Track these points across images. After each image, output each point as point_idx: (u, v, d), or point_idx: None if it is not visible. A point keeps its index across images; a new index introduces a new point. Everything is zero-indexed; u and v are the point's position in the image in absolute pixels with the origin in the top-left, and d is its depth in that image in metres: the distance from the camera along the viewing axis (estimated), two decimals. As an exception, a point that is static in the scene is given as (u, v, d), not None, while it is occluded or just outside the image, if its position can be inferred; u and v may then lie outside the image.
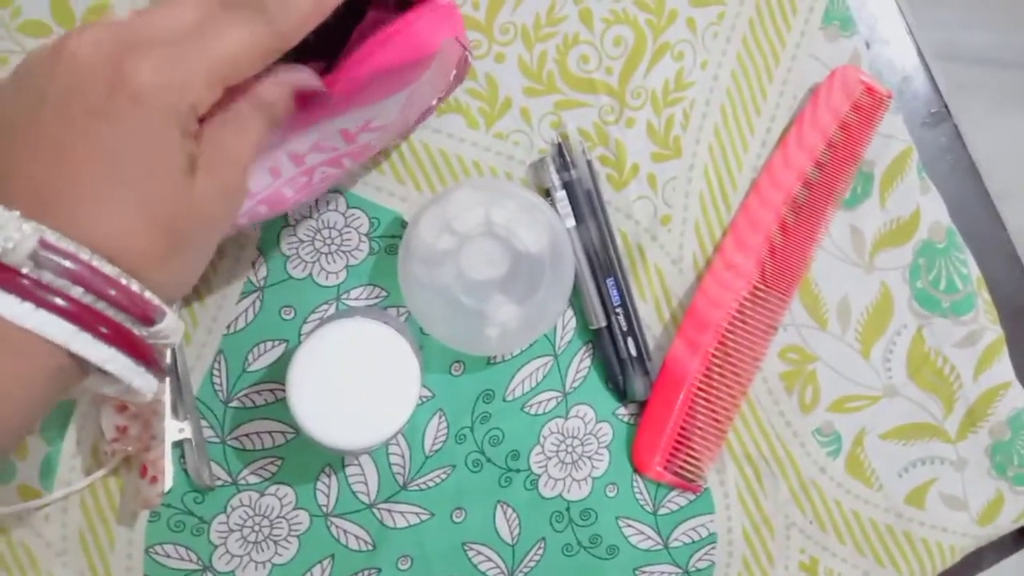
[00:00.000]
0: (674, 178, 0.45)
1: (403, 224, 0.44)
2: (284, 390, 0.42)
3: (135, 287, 0.28)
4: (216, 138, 0.30)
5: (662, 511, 0.46)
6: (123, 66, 0.28)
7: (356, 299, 0.44)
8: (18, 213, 0.26)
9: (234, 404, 0.43)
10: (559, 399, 0.45)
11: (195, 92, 0.29)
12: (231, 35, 0.29)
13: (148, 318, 0.28)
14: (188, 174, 0.29)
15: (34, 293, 0.26)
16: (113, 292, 0.27)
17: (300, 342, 0.39)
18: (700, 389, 0.45)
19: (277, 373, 0.43)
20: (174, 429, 0.41)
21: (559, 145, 0.44)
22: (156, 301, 0.28)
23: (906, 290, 0.47)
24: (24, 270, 0.26)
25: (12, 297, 0.26)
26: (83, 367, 0.27)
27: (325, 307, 0.44)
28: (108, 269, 0.27)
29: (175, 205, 0.29)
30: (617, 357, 0.45)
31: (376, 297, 0.44)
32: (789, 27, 0.46)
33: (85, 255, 0.27)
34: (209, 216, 0.30)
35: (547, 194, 0.44)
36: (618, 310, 0.44)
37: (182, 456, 0.42)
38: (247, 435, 0.43)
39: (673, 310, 0.46)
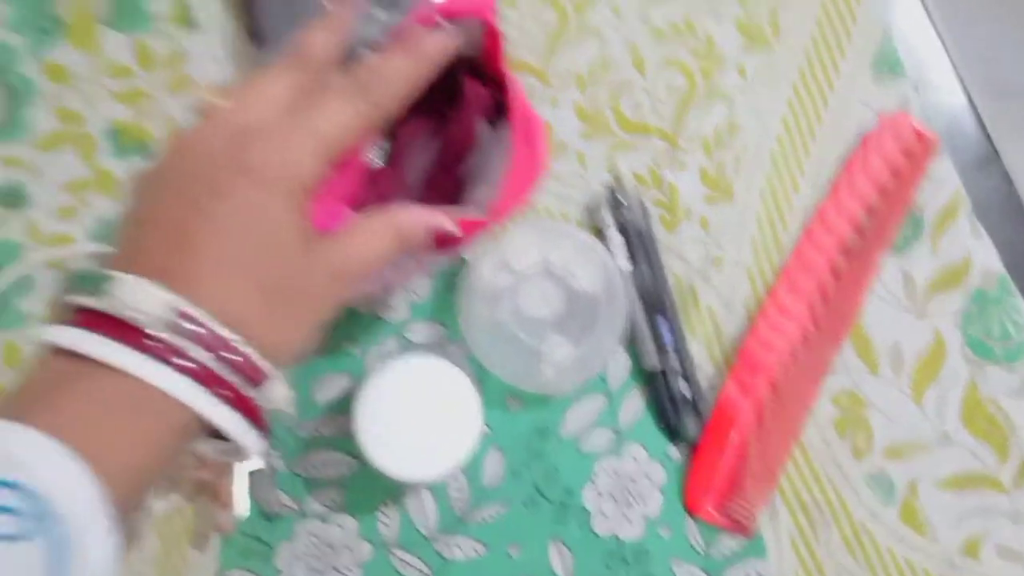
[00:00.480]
0: (726, 221, 0.46)
1: (464, 262, 0.46)
2: (349, 421, 0.44)
3: (253, 354, 0.29)
4: (348, 233, 0.32)
5: (714, 554, 0.46)
6: (239, 152, 0.30)
7: (417, 334, 0.45)
8: (157, 285, 0.28)
9: (301, 433, 0.44)
10: (612, 438, 0.46)
11: (306, 170, 0.31)
12: (333, 113, 0.32)
13: (260, 382, 0.30)
14: (302, 250, 0.31)
15: (168, 356, 0.28)
16: (234, 357, 0.29)
17: (366, 376, 0.40)
18: (752, 431, 0.45)
19: (343, 405, 0.44)
20: (243, 458, 0.42)
21: (613, 188, 0.46)
22: (267, 367, 0.30)
23: (959, 336, 0.47)
24: (162, 336, 0.28)
25: (150, 360, 0.28)
26: (202, 426, 0.29)
27: (388, 341, 0.45)
28: (230, 335, 0.29)
29: (289, 280, 0.31)
30: (670, 397, 0.45)
31: (436, 332, 0.45)
32: (839, 73, 0.47)
33: (213, 323, 0.29)
34: (320, 295, 0.32)
35: (601, 235, 0.46)
36: (671, 350, 0.45)
37: (252, 483, 0.44)
38: (313, 464, 0.44)
39: (725, 351, 0.46)
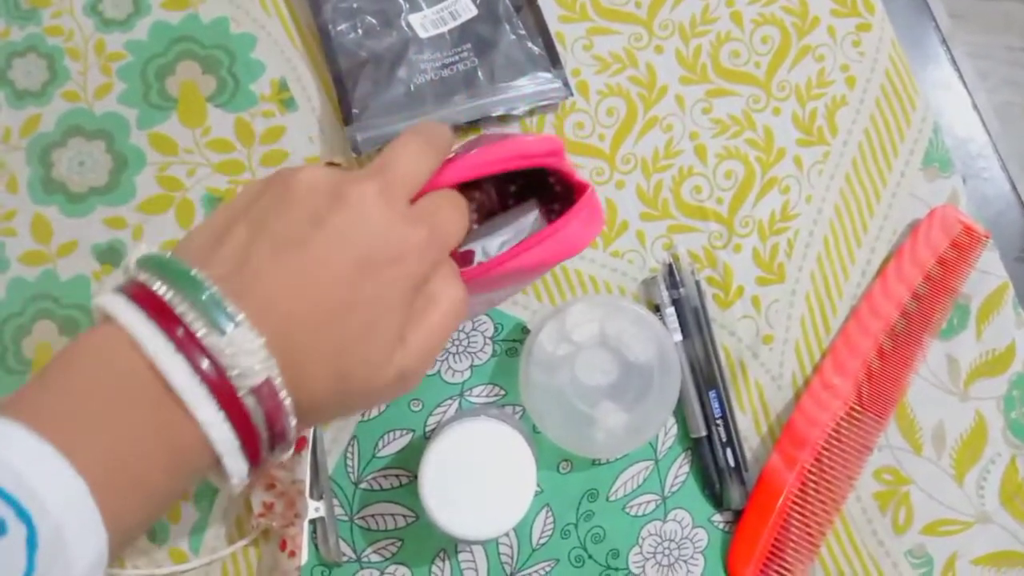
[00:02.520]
0: (777, 301, 0.49)
1: (524, 330, 0.48)
2: (409, 476, 0.47)
3: (290, 434, 0.29)
4: (418, 334, 0.32)
5: (754, 620, 0.48)
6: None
7: (477, 396, 0.48)
8: (264, 343, 0.28)
9: (363, 486, 0.47)
10: (658, 502, 0.48)
11: (427, 265, 0.32)
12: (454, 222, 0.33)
13: (283, 448, 0.30)
14: (387, 353, 0.31)
15: (234, 411, 0.28)
16: (280, 430, 0.29)
17: (430, 436, 0.43)
18: (795, 503, 0.47)
19: (403, 460, 0.47)
20: (311, 508, 0.45)
21: (670, 265, 0.48)
22: (293, 437, 0.30)
23: (1000, 420, 0.48)
24: (240, 393, 0.28)
25: (214, 405, 0.27)
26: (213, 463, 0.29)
27: (449, 402, 0.48)
28: (288, 415, 0.29)
29: (361, 371, 0.30)
30: (715, 465, 0.47)
31: (495, 395, 0.48)
32: (890, 167, 0.49)
33: (285, 400, 0.28)
34: (382, 395, 0.32)
35: (657, 309, 0.48)
36: (719, 421, 0.47)
37: (314, 531, 0.46)
38: (372, 515, 0.47)
39: (771, 424, 0.48)
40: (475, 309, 0.41)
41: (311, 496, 0.45)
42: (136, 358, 0.27)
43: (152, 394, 0.27)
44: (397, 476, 0.47)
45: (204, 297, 0.27)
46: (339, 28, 0.49)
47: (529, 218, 0.42)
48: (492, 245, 0.41)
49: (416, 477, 0.40)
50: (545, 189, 0.40)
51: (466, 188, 0.36)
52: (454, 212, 0.34)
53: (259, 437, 0.29)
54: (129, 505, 0.27)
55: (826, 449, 0.47)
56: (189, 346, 0.27)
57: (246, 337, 0.27)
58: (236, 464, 0.28)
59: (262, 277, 0.29)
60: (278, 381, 0.28)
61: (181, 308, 0.27)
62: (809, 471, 0.47)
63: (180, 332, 0.27)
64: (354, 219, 0.30)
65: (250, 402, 0.28)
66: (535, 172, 0.39)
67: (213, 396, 0.27)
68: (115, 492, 0.26)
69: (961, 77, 0.51)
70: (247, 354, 0.27)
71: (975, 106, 0.51)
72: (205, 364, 0.27)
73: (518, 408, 0.48)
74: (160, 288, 0.28)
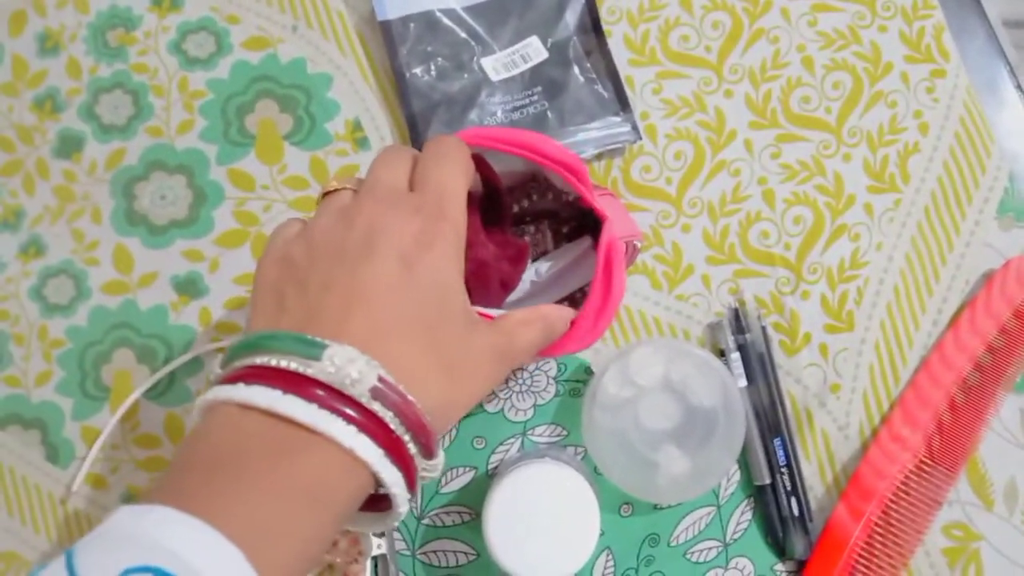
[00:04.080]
0: (845, 349, 0.48)
1: (587, 370, 0.48)
2: (471, 513, 0.47)
3: (429, 426, 0.30)
4: (507, 320, 0.34)
5: (815, 673, 0.47)
6: (400, 221, 0.32)
7: (539, 435, 0.48)
8: (361, 353, 0.28)
9: (425, 521, 0.48)
10: (720, 549, 0.47)
11: (461, 232, 0.33)
12: (453, 178, 0.34)
13: (431, 455, 0.31)
14: (470, 324, 0.33)
15: (362, 420, 0.28)
16: (416, 430, 0.29)
17: (492, 473, 0.43)
18: (861, 556, 0.46)
19: (466, 497, 0.48)
20: (374, 545, 0.45)
21: (736, 310, 0.48)
22: (437, 437, 0.31)
23: (1076, 477, 0.47)
24: (362, 400, 0.28)
25: (342, 421, 0.28)
26: (369, 489, 0.29)
27: (512, 440, 0.48)
28: (417, 406, 0.29)
29: (459, 352, 0.32)
30: (779, 514, 0.47)
31: (557, 435, 0.48)
32: (964, 215, 0.49)
33: (408, 394, 0.29)
34: (484, 372, 0.33)
35: (722, 354, 0.48)
36: (783, 469, 0.47)
37: (375, 567, 0.47)
38: (434, 551, 0.47)
39: (836, 475, 0.48)
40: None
41: (374, 534, 0.46)
42: (249, 415, 0.28)
43: (277, 441, 0.27)
44: (459, 513, 0.48)
45: (287, 341, 0.29)
46: (414, 71, 0.50)
47: (581, 246, 0.44)
48: (543, 268, 0.44)
49: (478, 515, 0.41)
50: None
51: (521, 224, 0.37)
52: (452, 172, 0.34)
53: (400, 440, 0.29)
54: (282, 559, 0.27)
55: (893, 502, 0.46)
56: (294, 382, 0.28)
57: (339, 351, 0.28)
58: (389, 473, 0.28)
59: (327, 310, 0.30)
60: (391, 379, 0.29)
61: (263, 359, 0.28)
62: (876, 524, 0.46)
63: (278, 367, 0.28)
64: (383, 231, 0.32)
65: (377, 407, 0.28)
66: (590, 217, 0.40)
67: (337, 414, 0.27)
68: (267, 552, 0.26)
69: (1038, 123, 0.51)
70: (349, 362, 0.28)
71: (1053, 155, 0.50)
72: (318, 391, 0.28)
73: (580, 449, 0.48)
74: (244, 360, 0.29)
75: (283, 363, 0.28)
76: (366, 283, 0.30)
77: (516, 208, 0.46)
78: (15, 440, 0.50)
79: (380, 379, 0.28)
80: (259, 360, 0.29)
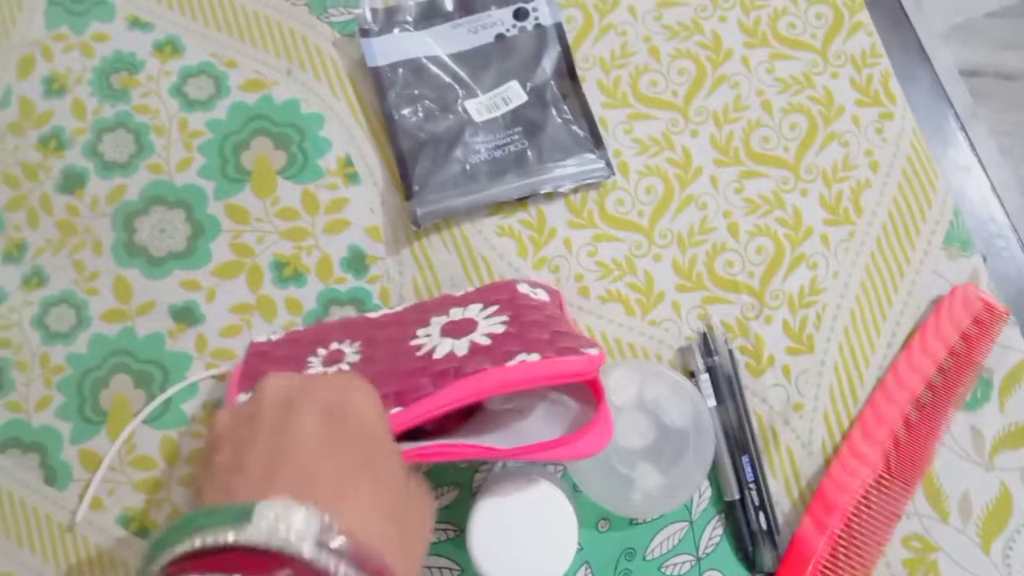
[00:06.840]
0: (806, 370, 0.51)
1: (565, 393, 0.51)
2: (455, 530, 0.49)
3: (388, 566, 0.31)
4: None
5: None
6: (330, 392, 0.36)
7: (521, 455, 0.50)
8: (301, 504, 0.29)
9: (412, 538, 0.50)
10: (693, 563, 0.50)
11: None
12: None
13: None
14: (407, 476, 0.36)
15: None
16: (373, 567, 0.30)
17: (476, 491, 0.45)
18: (826, 567, 0.49)
19: (450, 515, 0.50)
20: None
21: (704, 334, 0.51)
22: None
23: (1025, 490, 0.50)
24: (318, 560, 0.28)
25: None
26: None
27: (495, 461, 0.50)
28: (377, 559, 0.30)
29: (406, 507, 0.35)
30: (748, 529, 0.49)
31: (538, 455, 0.50)
32: (913, 246, 0.52)
33: (360, 538, 0.30)
34: (427, 521, 0.37)
35: (692, 376, 0.51)
36: (751, 485, 0.49)
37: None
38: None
39: (802, 490, 0.50)
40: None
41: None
42: None
43: None
44: (444, 530, 0.50)
45: (211, 518, 0.29)
46: (402, 112, 0.53)
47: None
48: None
49: (463, 531, 0.42)
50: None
51: None
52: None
53: None
54: None
55: (855, 515, 0.49)
56: (218, 560, 0.28)
57: (266, 511, 0.28)
58: None
59: (249, 471, 0.32)
60: (326, 520, 0.29)
61: (197, 542, 0.28)
62: (839, 536, 0.49)
63: (201, 548, 0.28)
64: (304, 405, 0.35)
65: (321, 557, 0.28)
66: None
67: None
68: None
69: (980, 161, 0.55)
70: (283, 518, 0.28)
71: (994, 188, 0.54)
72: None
73: (558, 468, 0.50)
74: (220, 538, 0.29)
75: (203, 540, 0.28)
76: (286, 447, 0.33)
77: None
78: (14, 463, 0.51)
79: (330, 529, 0.29)
80: (196, 542, 0.28)
